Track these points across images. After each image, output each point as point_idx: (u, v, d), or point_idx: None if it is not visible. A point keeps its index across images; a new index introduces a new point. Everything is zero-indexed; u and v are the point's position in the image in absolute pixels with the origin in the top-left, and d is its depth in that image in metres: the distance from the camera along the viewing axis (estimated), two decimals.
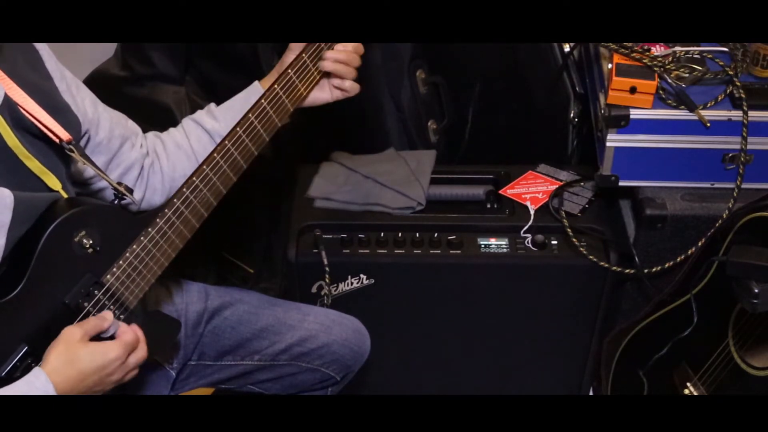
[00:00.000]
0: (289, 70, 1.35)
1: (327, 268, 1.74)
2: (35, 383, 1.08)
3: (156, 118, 1.86)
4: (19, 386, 1.08)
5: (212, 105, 1.45)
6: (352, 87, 1.41)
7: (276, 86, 1.34)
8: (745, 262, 1.37)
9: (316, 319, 1.56)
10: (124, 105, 1.49)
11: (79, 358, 1.11)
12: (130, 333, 1.19)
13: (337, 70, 1.38)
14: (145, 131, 1.45)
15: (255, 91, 1.41)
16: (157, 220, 1.24)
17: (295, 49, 1.38)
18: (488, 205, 1.85)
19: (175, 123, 1.47)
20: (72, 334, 1.13)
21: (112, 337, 1.18)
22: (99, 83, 1.96)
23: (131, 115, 1.44)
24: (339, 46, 1.37)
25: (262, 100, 1.32)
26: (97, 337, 1.17)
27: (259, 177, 1.94)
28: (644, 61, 1.58)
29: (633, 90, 1.55)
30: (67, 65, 1.29)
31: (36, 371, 1.10)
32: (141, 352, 1.20)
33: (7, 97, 1.13)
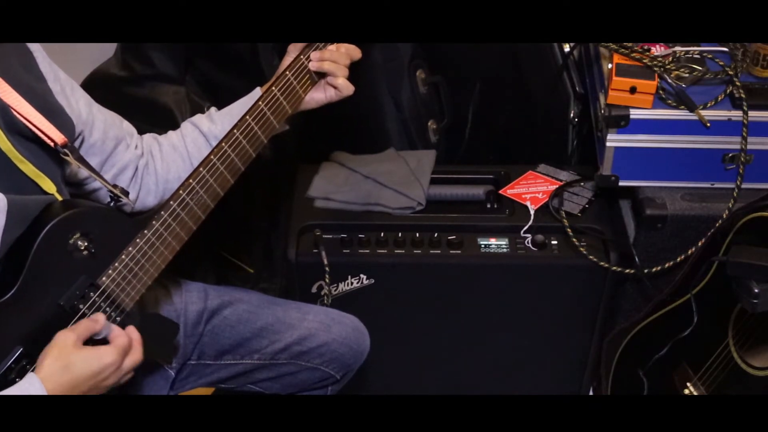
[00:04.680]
0: (287, 72, 1.34)
1: (327, 268, 1.74)
2: (29, 389, 1.08)
3: (156, 118, 1.86)
4: (13, 392, 1.08)
5: (213, 109, 1.44)
6: (344, 85, 1.38)
7: (274, 88, 1.33)
8: (745, 262, 1.37)
9: (316, 317, 1.56)
10: (124, 105, 1.49)
11: (73, 363, 1.11)
12: (124, 337, 1.18)
13: (323, 67, 1.36)
14: (145, 131, 1.45)
15: (255, 96, 1.40)
16: (153, 221, 1.23)
17: (292, 52, 1.38)
18: (488, 205, 1.84)
19: (175, 123, 1.47)
20: (65, 338, 1.12)
21: (105, 340, 1.17)
22: (99, 83, 1.96)
23: (131, 115, 1.43)
24: (329, 46, 1.37)
25: (260, 102, 1.32)
26: (91, 340, 1.16)
27: (259, 177, 1.95)
28: (644, 61, 1.58)
29: (633, 90, 1.55)
30: (66, 65, 1.29)
31: (30, 377, 1.09)
32: (136, 355, 1.19)
33: None
